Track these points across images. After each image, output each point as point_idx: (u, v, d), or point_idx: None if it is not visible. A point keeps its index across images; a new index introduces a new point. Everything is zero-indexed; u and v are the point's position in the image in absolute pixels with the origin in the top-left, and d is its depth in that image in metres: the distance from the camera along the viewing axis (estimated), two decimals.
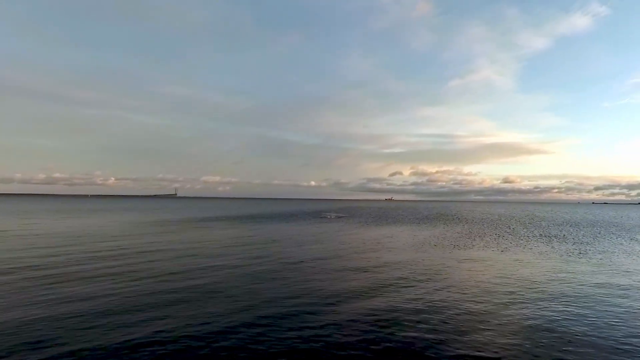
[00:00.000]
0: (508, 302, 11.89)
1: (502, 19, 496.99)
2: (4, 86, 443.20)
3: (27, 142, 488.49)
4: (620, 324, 10.02)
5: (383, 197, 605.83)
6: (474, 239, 30.92)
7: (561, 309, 11.26)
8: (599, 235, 35.52)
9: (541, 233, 37.54)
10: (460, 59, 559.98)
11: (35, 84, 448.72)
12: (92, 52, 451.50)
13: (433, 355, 7.82)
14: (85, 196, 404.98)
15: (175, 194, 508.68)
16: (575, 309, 11.29)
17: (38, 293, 12.13)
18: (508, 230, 40.18)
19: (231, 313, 10.40)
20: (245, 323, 9.61)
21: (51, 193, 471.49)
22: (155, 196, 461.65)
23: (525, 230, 41.06)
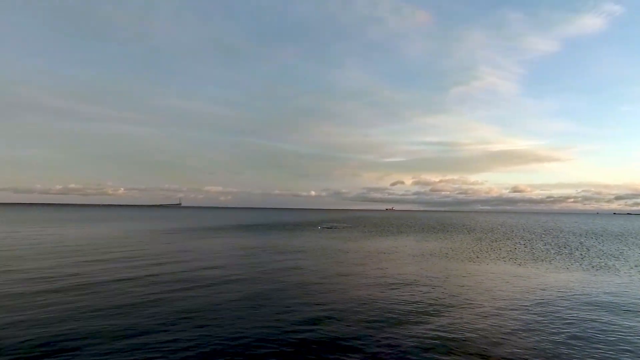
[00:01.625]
0: (532, 322, 9.84)
1: (506, 24, 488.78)
2: (20, 103, 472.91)
3: (44, 155, 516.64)
4: None
5: (384, 207, 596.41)
6: (486, 251, 28.56)
7: (597, 325, 9.13)
8: (627, 249, 32.88)
9: (559, 245, 34.99)
10: (462, 66, 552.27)
11: (47, 100, 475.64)
12: (97, 70, 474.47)
13: None
14: (98, 206, 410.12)
15: (180, 203, 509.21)
16: (610, 328, 9.07)
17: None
18: (522, 242, 37.68)
19: (236, 330, 9.45)
20: (250, 345, 8.55)
21: (67, 203, 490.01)
22: (161, 206, 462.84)
23: (541, 242, 38.48)
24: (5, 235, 35.55)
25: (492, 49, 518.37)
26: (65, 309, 10.80)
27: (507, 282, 16.55)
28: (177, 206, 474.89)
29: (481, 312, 11.39)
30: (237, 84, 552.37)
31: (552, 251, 29.48)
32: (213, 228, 52.90)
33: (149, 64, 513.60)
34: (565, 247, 32.47)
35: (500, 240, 39.27)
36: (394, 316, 10.81)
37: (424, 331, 9.55)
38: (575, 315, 11.36)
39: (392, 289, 14.61)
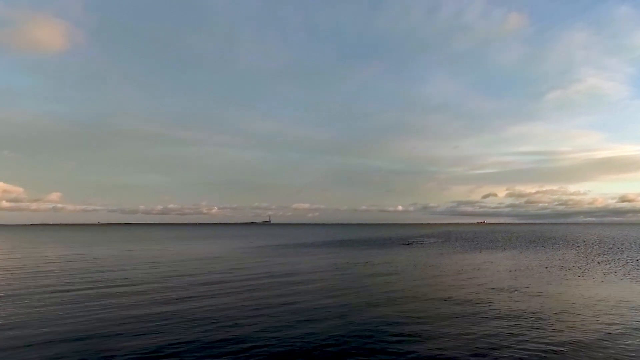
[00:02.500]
0: None
1: (609, 21, 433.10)
2: (123, 131, 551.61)
3: (146, 178, 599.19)
4: None
5: (475, 220, 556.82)
6: (597, 265, 27.61)
7: None
8: None
9: None
10: (559, 69, 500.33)
11: (146, 127, 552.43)
12: (190, 97, 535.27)
13: None
14: (194, 224, 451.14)
15: (269, 221, 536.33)
16: None
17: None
18: (636, 255, 34.94)
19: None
20: None
21: (166, 222, 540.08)
22: (251, 223, 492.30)
23: None
24: (120, 253, 42.46)
25: (595, 49, 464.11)
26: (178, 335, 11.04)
27: (620, 302, 16.78)
28: (267, 223, 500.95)
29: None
30: (320, 104, 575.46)
31: None
32: (303, 244, 56.17)
33: (235, 88, 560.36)
34: None
35: (611, 253, 36.70)
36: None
37: None
38: None
39: (499, 318, 12.84)
